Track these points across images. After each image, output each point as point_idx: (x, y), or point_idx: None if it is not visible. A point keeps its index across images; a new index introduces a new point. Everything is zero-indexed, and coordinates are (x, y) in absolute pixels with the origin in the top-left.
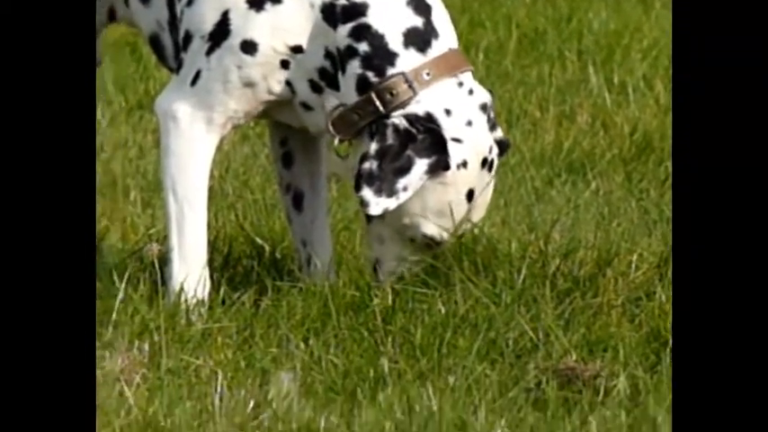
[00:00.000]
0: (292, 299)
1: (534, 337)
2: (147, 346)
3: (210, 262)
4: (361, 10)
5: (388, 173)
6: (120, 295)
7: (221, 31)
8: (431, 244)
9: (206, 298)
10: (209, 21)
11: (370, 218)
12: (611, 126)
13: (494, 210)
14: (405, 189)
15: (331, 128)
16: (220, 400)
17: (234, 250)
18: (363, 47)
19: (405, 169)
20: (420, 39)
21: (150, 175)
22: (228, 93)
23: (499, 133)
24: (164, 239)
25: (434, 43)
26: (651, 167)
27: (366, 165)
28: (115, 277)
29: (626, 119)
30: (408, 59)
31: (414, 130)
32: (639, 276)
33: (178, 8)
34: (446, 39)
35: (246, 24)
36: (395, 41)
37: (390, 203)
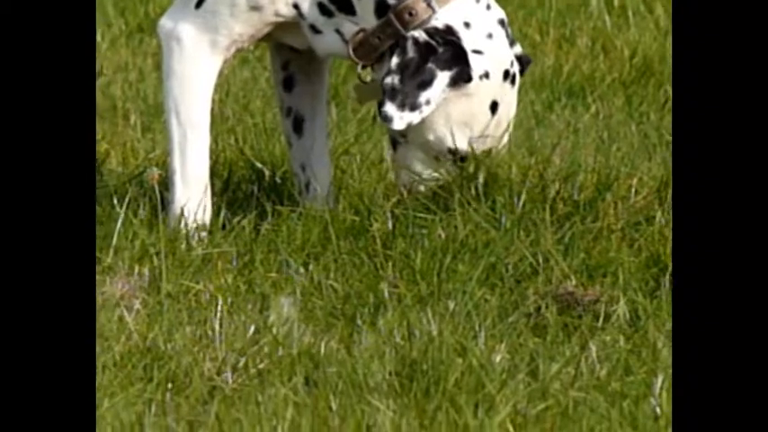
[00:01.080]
0: (292, 224)
1: (534, 261)
2: (147, 271)
3: (211, 186)
4: None
5: (411, 87)
6: (120, 219)
7: None
8: (457, 159)
9: (207, 222)
10: None
11: (395, 145)
12: (611, 49)
13: None
14: (428, 102)
15: (352, 54)
16: (220, 325)
17: (234, 174)
18: None
19: (427, 82)
20: None
21: (150, 99)
22: (234, 16)
23: (518, 49)
24: (164, 164)
25: None
26: (651, 91)
27: (388, 80)
28: (115, 201)
29: (626, 42)
30: None
31: (434, 43)
32: (639, 201)
33: None
34: None
35: None
36: None
37: (414, 117)
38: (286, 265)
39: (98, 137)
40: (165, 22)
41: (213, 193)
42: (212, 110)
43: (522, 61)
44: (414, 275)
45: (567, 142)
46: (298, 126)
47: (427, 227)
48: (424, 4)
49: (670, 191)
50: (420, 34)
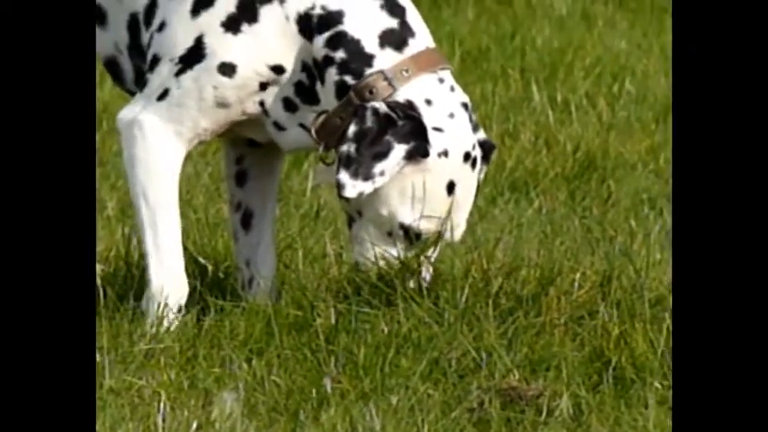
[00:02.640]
0: (235, 318)
1: (477, 356)
2: None
3: None
4: (337, 18)
5: (366, 156)
6: None
7: (195, 55)
8: (410, 238)
9: (184, 299)
10: (180, 45)
11: (351, 221)
12: (554, 144)
13: None
14: (381, 174)
15: (315, 136)
16: (163, 420)
17: None
18: (340, 54)
19: (383, 153)
20: (396, 38)
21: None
22: (201, 111)
23: (482, 134)
24: (107, 259)
25: (411, 41)
26: (594, 186)
27: (344, 147)
28: None
29: (569, 137)
30: (385, 59)
31: (394, 116)
32: (582, 295)
33: (145, 33)
34: (422, 37)
35: (224, 47)
36: (371, 44)
37: (366, 187)
38: (229, 361)
39: None
40: (126, 113)
41: None
42: None
43: (486, 147)
44: (357, 370)
45: (511, 237)
46: (246, 221)
47: (370, 321)
48: (384, 83)
49: (613, 285)
50: (380, 105)
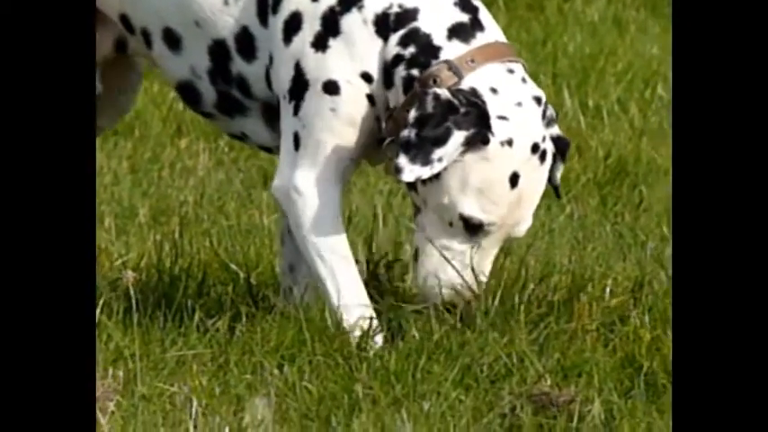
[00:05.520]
0: (267, 325)
1: (508, 362)
2: (121, 373)
3: (185, 289)
4: (412, 15)
5: (425, 141)
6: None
7: (299, 84)
8: (472, 229)
9: (380, 342)
10: (285, 78)
11: (417, 212)
12: (586, 150)
13: None
14: (440, 160)
15: (385, 131)
16: (195, 426)
17: (208, 277)
18: (410, 50)
19: (441, 139)
20: (464, 31)
21: (125, 202)
22: (338, 137)
23: (557, 130)
24: (138, 267)
25: (480, 35)
26: (626, 191)
27: (405, 132)
28: None
29: (600, 143)
30: (452, 50)
31: (456, 102)
32: (614, 301)
33: (242, 62)
34: (493, 32)
35: (319, 68)
36: (439, 37)
37: (423, 172)
38: (260, 367)
39: None
40: (279, 182)
41: (188, 296)
42: (187, 212)
43: (561, 144)
44: (388, 377)
45: (542, 243)
46: None
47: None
48: (449, 72)
49: (644, 291)
50: (443, 91)
